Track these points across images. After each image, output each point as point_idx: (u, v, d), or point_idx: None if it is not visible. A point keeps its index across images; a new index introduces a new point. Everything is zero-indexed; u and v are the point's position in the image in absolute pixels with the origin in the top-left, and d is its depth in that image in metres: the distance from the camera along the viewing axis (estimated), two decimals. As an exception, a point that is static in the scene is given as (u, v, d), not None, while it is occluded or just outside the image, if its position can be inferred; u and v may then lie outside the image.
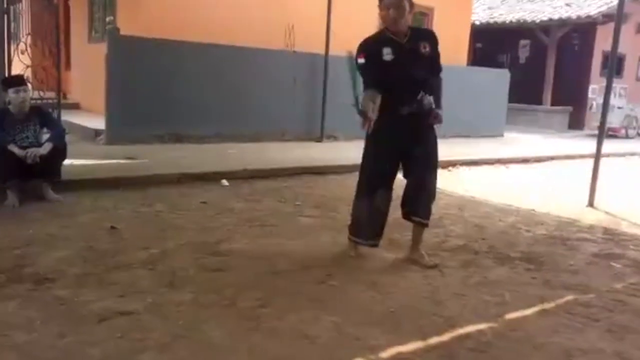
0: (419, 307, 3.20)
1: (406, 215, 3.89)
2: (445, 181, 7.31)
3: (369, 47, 3.67)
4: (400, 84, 3.66)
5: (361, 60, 3.62)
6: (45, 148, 4.96)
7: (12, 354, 2.45)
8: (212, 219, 4.82)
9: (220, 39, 8.85)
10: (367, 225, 3.87)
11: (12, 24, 7.91)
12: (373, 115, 3.48)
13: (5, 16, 7.42)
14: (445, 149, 9.69)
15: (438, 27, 12.63)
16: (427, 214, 3.88)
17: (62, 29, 9.68)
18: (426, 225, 3.92)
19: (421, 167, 3.83)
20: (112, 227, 4.35)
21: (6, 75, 6.92)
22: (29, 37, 8.10)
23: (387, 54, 3.64)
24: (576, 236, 4.91)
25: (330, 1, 9.58)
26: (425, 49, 3.75)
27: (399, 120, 3.66)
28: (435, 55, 3.84)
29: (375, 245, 3.93)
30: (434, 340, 2.79)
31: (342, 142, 9.64)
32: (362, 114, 3.48)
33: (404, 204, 3.87)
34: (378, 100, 3.53)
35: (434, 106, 3.74)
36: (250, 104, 9.17)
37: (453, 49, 12.87)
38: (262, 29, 9.77)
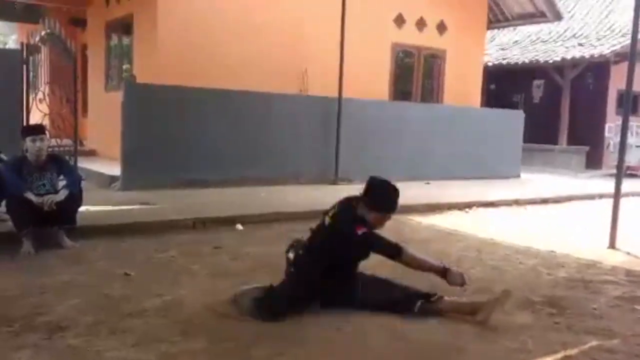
0: (439, 353, 3.11)
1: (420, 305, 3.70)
2: (463, 222, 7.24)
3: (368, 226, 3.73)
4: (352, 270, 3.86)
5: (365, 229, 3.65)
6: (62, 195, 5.00)
7: (23, 406, 2.40)
8: (227, 264, 4.78)
9: (234, 84, 8.98)
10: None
11: (31, 74, 8.11)
12: None
13: (25, 66, 7.64)
14: (462, 190, 9.77)
15: (451, 68, 12.79)
16: (421, 298, 3.70)
17: (80, 77, 9.88)
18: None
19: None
20: (126, 274, 4.33)
21: (24, 123, 7.10)
22: (47, 86, 8.31)
23: None
24: (598, 279, 4.79)
25: (342, 45, 9.69)
26: None
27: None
28: None
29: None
30: (454, 389, 2.70)
31: (355, 184, 9.60)
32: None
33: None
34: None
35: None
36: (265, 148, 9.22)
37: (466, 91, 12.95)
38: (276, 74, 9.93)
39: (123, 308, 3.60)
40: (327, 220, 3.78)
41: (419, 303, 3.61)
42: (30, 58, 7.96)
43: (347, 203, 3.80)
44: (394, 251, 3.67)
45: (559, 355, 3.16)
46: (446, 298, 3.68)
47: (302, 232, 6.00)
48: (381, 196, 3.74)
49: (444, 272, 3.66)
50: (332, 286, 3.71)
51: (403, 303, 3.65)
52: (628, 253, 5.83)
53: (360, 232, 3.60)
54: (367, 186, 3.75)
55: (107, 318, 3.42)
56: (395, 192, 3.77)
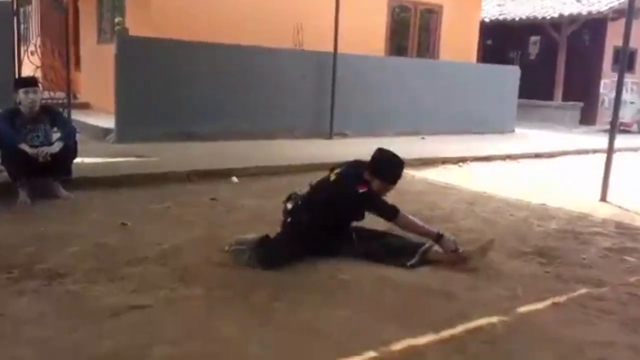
0: (430, 301, 3.19)
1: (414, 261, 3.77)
2: (456, 176, 7.30)
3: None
4: (347, 226, 3.98)
5: (368, 188, 3.74)
6: (56, 146, 5.00)
7: (26, 347, 2.46)
8: (223, 216, 4.83)
9: (228, 38, 8.86)
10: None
11: (22, 26, 7.97)
12: None
13: (15, 18, 7.50)
14: (456, 145, 9.80)
15: (447, 24, 12.64)
16: (412, 250, 3.77)
17: (72, 30, 9.73)
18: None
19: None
20: (123, 224, 4.37)
21: (16, 76, 7.01)
22: (39, 39, 8.17)
23: None
24: (589, 230, 4.87)
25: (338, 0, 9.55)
26: None
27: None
28: None
29: None
30: (445, 333, 2.78)
31: (351, 138, 9.64)
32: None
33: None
34: None
35: None
36: (260, 101, 9.17)
37: (462, 46, 12.83)
38: (271, 28, 9.78)
39: (121, 256, 3.65)
40: (332, 176, 3.87)
41: (412, 260, 3.68)
42: (21, 10, 7.81)
43: (356, 165, 3.91)
44: (391, 212, 3.75)
45: (548, 302, 3.25)
46: (435, 248, 3.77)
47: (298, 185, 6.04)
48: (387, 166, 3.83)
49: (438, 238, 3.72)
50: (327, 237, 3.78)
51: (397, 255, 3.72)
52: (619, 206, 5.91)
53: (361, 190, 3.69)
54: (375, 155, 3.86)
55: (105, 266, 3.47)
56: (400, 165, 3.87)
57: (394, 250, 3.77)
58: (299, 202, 3.86)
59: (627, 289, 3.50)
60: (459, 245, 3.75)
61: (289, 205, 3.89)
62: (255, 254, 3.57)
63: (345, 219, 3.91)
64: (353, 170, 3.88)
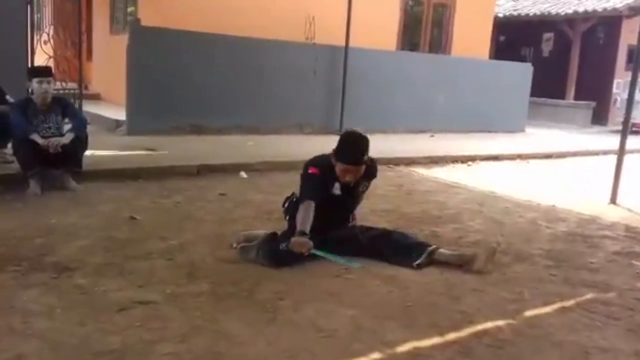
0: (436, 302, 3.19)
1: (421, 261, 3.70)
2: (465, 176, 7.27)
3: (325, 170, 3.67)
4: (335, 214, 3.82)
5: (313, 172, 3.66)
6: (67, 138, 5.04)
7: (33, 340, 2.48)
8: (231, 211, 4.84)
9: (240, 30, 8.86)
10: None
11: (36, 15, 8.00)
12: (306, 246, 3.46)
13: (29, 7, 7.54)
14: (466, 143, 9.77)
15: (460, 19, 12.55)
16: (418, 251, 3.71)
17: (85, 20, 9.75)
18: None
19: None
20: (132, 217, 4.40)
21: (29, 65, 7.05)
22: (52, 28, 8.21)
23: (337, 189, 3.74)
24: (597, 234, 4.85)
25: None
26: (365, 187, 3.92)
27: (322, 237, 3.62)
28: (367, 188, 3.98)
29: None
30: (451, 335, 2.78)
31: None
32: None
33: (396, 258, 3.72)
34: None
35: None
36: (270, 96, 9.18)
37: (475, 43, 12.75)
38: (282, 21, 9.76)
39: (129, 250, 3.68)
40: None
41: (418, 260, 3.65)
42: (35, -1, 7.84)
43: (330, 153, 3.74)
44: (300, 198, 3.66)
45: (555, 305, 3.24)
46: (441, 250, 3.76)
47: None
48: (341, 146, 3.63)
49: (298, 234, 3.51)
50: (326, 230, 3.70)
51: (404, 254, 3.71)
52: (629, 209, 5.87)
53: (310, 171, 3.66)
54: (340, 138, 3.72)
55: (113, 260, 3.50)
56: (355, 144, 3.64)
57: (401, 249, 3.74)
58: (293, 199, 3.85)
59: (635, 295, 3.48)
60: (464, 247, 3.71)
61: (285, 204, 3.92)
62: (263, 251, 3.58)
63: (323, 205, 3.62)
64: (321, 156, 3.77)
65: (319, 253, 3.50)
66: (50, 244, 3.70)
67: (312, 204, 3.56)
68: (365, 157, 3.65)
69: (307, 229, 3.48)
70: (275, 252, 3.55)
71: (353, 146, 3.64)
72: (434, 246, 3.77)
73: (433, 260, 3.72)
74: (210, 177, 6.05)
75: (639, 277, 3.83)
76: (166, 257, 3.61)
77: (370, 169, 3.86)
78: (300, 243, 3.43)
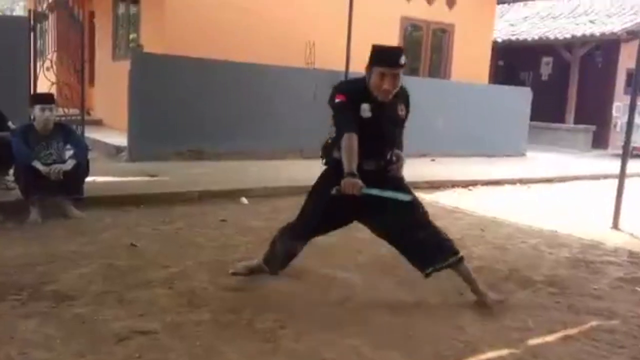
0: (438, 331, 3.15)
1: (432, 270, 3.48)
2: (466, 201, 7.26)
3: (351, 93, 3.39)
4: (370, 142, 3.36)
5: (341, 99, 3.37)
6: (69, 164, 5.04)
7: (32, 373, 2.46)
8: (232, 238, 4.83)
9: (241, 56, 8.93)
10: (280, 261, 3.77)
11: (39, 41, 8.08)
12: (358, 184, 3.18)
13: (32, 34, 7.61)
14: (466, 168, 9.76)
15: (459, 44, 12.66)
16: (444, 249, 3.48)
17: (87, 46, 9.85)
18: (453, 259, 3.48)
19: (404, 218, 3.49)
20: (132, 245, 4.38)
21: (31, 91, 7.10)
22: (55, 54, 8.28)
23: (366, 110, 3.37)
24: (600, 259, 4.82)
25: (350, 18, 9.60)
26: (402, 111, 3.56)
27: (361, 175, 3.27)
28: (406, 117, 3.64)
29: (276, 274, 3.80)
30: (454, 366, 2.75)
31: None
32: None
33: (420, 262, 3.50)
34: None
35: (403, 159, 3.57)
36: (271, 121, 9.21)
37: (474, 66, 12.85)
38: (283, 46, 9.85)
39: (129, 278, 3.66)
40: None
41: (430, 269, 3.44)
42: (38, 25, 7.91)
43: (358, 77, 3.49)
44: (340, 130, 3.35)
45: (559, 334, 3.20)
46: (463, 266, 3.52)
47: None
48: (376, 51, 3.36)
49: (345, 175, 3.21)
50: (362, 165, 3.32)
51: (424, 255, 3.46)
52: (631, 234, 5.84)
53: (337, 99, 3.38)
54: None
55: (113, 288, 3.48)
56: (390, 47, 3.39)
57: (423, 250, 3.47)
58: (329, 140, 3.56)
59: (639, 322, 3.44)
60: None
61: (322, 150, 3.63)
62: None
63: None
64: (354, 79, 3.51)
65: (371, 192, 3.21)
66: (51, 272, 3.68)
67: (354, 136, 3.25)
68: (404, 60, 3.35)
69: (355, 168, 3.20)
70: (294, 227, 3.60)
71: (389, 48, 3.42)
72: (455, 258, 3.47)
73: (456, 272, 3.51)
74: (211, 203, 6.04)
75: (643, 303, 3.80)
76: (166, 285, 3.59)
77: (403, 90, 3.59)
78: (351, 184, 3.15)
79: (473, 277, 3.57)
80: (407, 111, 3.62)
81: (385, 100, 3.40)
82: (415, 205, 3.56)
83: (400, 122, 3.59)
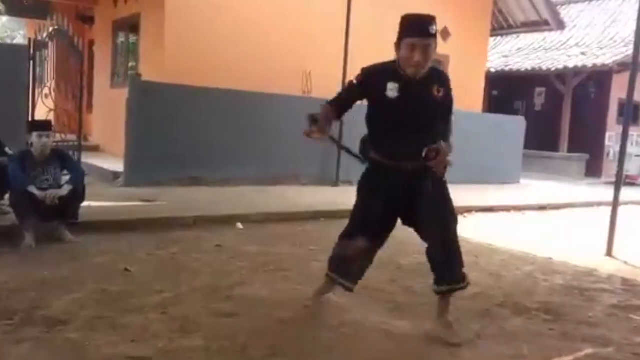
0: (433, 357, 3.14)
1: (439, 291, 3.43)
2: (461, 227, 7.21)
3: (373, 74, 3.25)
4: (404, 127, 3.18)
5: (354, 79, 3.29)
6: (65, 190, 5.06)
7: (22, 398, 2.44)
8: (227, 263, 4.82)
9: (238, 84, 9.01)
10: (352, 265, 3.58)
11: (38, 69, 8.15)
12: (324, 129, 3.31)
13: (32, 62, 7.69)
14: (461, 195, 9.68)
15: (453, 74, 12.65)
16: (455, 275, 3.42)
17: (86, 73, 9.94)
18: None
19: (436, 223, 3.47)
20: (127, 270, 4.36)
21: (30, 118, 7.15)
22: (54, 82, 8.35)
23: (392, 89, 3.13)
24: (595, 287, 4.82)
25: (347, 49, 9.74)
26: (439, 93, 3.23)
27: (399, 172, 3.28)
28: (449, 102, 3.39)
29: (351, 290, 3.63)
30: (448, 392, 2.73)
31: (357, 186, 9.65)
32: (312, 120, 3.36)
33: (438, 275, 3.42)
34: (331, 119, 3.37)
35: (446, 152, 3.23)
36: (267, 148, 9.26)
37: (468, 97, 12.96)
38: (280, 75, 9.94)
39: (122, 304, 3.64)
40: None
41: (442, 287, 3.38)
42: (38, 53, 8.00)
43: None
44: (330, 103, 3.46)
45: (554, 361, 3.20)
46: (451, 301, 3.48)
47: (301, 233, 6.03)
48: (405, 21, 3.12)
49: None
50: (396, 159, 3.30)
51: (441, 269, 3.40)
52: (625, 262, 5.85)
53: (351, 80, 3.34)
54: None
55: (106, 313, 3.46)
56: (420, 15, 3.08)
57: (444, 261, 3.44)
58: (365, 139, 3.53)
59: (633, 349, 3.44)
60: (462, 300, 3.57)
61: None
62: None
63: (383, 124, 3.29)
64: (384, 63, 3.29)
65: (334, 138, 3.31)
66: (43, 297, 3.66)
67: (328, 107, 3.35)
68: (435, 29, 3.06)
69: (324, 121, 3.33)
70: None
71: (419, 16, 3.09)
72: (457, 287, 3.43)
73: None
74: (206, 229, 6.04)
75: (637, 331, 3.79)
76: (160, 310, 3.57)
77: (441, 72, 3.43)
78: (308, 131, 3.29)
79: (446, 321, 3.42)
80: (449, 95, 3.32)
81: (416, 76, 3.14)
82: (451, 222, 3.61)
83: (437, 105, 3.26)
